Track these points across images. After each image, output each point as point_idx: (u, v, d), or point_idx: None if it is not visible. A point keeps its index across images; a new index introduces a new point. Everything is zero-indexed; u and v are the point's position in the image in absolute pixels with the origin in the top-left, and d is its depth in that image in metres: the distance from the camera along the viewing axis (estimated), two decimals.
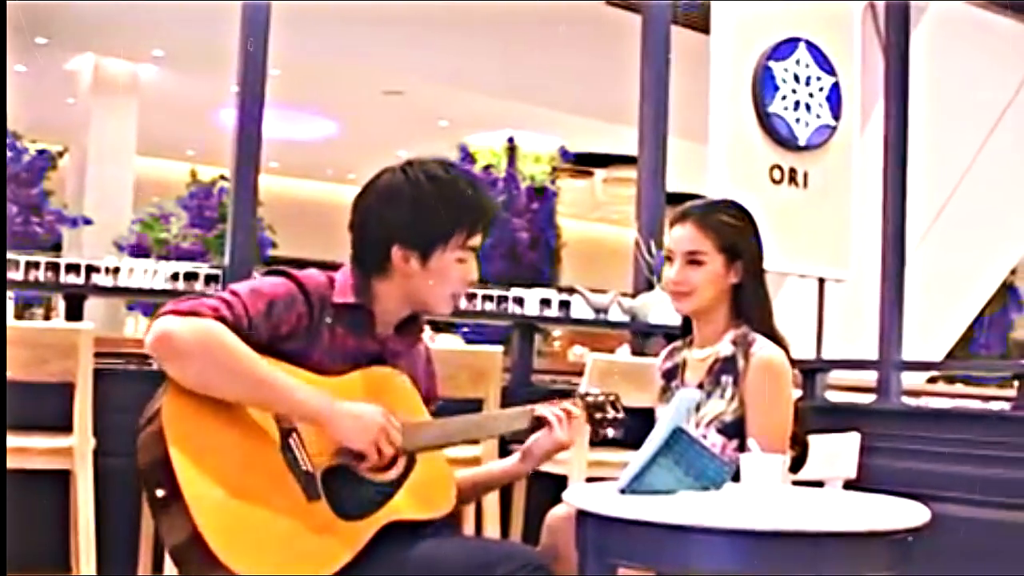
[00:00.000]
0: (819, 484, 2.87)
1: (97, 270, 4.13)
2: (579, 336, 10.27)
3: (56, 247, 8.05)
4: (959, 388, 8.67)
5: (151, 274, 4.22)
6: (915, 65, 5.16)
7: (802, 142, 5.13)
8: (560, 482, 3.77)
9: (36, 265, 4.04)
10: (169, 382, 2.08)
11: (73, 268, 4.08)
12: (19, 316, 7.21)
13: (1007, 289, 11.00)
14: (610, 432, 2.48)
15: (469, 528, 3.95)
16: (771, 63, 5.09)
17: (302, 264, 2.38)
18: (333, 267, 2.32)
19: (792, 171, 5.13)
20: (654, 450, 2.15)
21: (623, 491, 2.17)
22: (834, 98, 5.26)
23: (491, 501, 3.97)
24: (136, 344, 4.69)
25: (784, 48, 5.14)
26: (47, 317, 8.49)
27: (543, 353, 7.89)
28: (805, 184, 5.15)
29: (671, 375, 2.81)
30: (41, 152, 7.56)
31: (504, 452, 3.32)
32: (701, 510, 2.05)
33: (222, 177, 8.47)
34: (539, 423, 2.40)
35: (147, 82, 11.63)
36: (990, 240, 9.17)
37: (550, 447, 2.42)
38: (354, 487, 2.16)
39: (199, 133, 12.41)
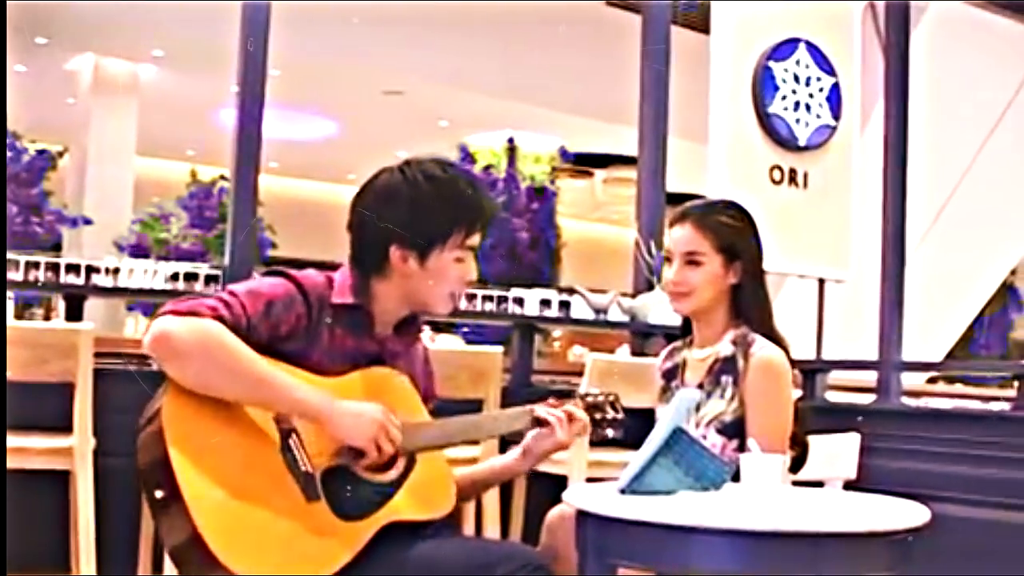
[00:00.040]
0: (819, 484, 2.87)
1: (97, 270, 4.12)
2: (579, 336, 10.27)
3: (56, 247, 8.05)
4: (959, 388, 8.67)
5: (151, 274, 4.22)
6: (915, 65, 5.16)
7: (802, 142, 5.13)
8: (560, 482, 3.77)
9: (36, 265, 4.04)
10: (169, 383, 2.08)
11: (73, 268, 4.08)
12: (19, 316, 7.21)
13: (1007, 289, 11.00)
14: (610, 432, 2.48)
15: (469, 528, 3.95)
16: (771, 63, 5.09)
17: (302, 264, 2.38)
18: (333, 267, 2.32)
19: (792, 171, 5.13)
20: (654, 450, 2.15)
21: (623, 491, 2.17)
22: (834, 98, 5.26)
23: (491, 501, 3.97)
24: (136, 344, 4.67)
25: (784, 48, 5.14)
26: (47, 317, 8.49)
27: (543, 353, 7.89)
28: (805, 184, 5.15)
29: (671, 375, 2.81)
30: (41, 152, 7.55)
31: (504, 452, 3.31)
32: (701, 510, 2.05)
33: (222, 177, 8.47)
34: (539, 424, 2.39)
35: (147, 82, 11.63)
36: (990, 240, 9.17)
37: (550, 447, 2.42)
38: (354, 487, 2.16)
39: (199, 133, 12.40)
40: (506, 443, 2.70)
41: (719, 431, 2.61)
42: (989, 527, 3.97)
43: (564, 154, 8.20)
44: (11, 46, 6.53)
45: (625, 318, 4.93)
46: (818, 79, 5.22)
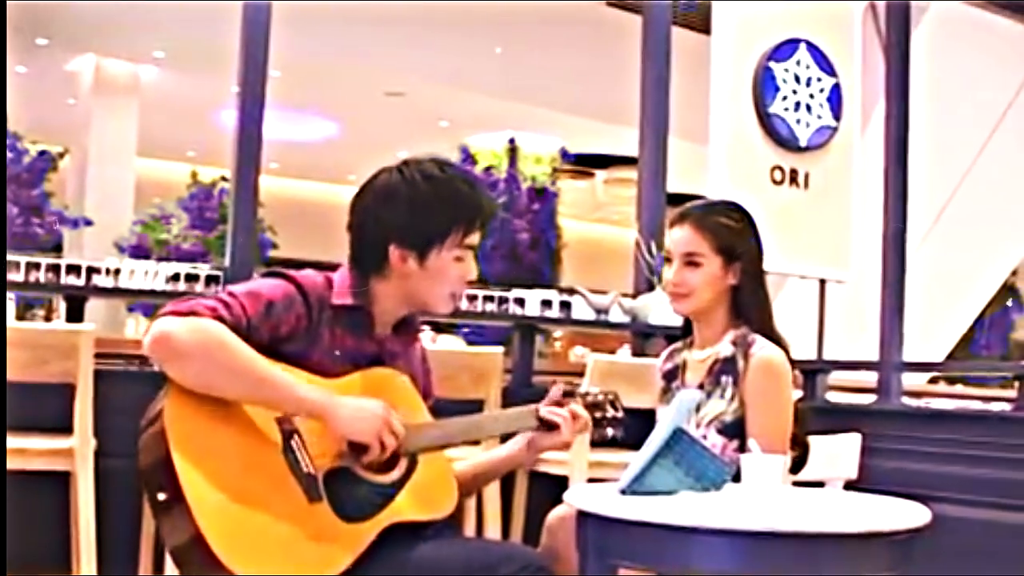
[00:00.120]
0: (820, 485, 2.87)
1: (98, 271, 4.12)
2: (580, 337, 10.28)
3: (57, 248, 8.07)
4: (960, 389, 8.67)
5: (152, 275, 4.22)
6: (916, 66, 5.16)
7: (803, 143, 5.13)
8: (561, 483, 3.77)
9: (37, 266, 4.04)
10: (170, 384, 2.08)
11: (74, 269, 4.08)
12: (20, 317, 7.21)
13: (1008, 290, 11.01)
14: (610, 431, 2.48)
15: (470, 528, 3.95)
16: (772, 64, 5.09)
17: (303, 265, 2.38)
18: (333, 268, 2.32)
19: (793, 172, 5.13)
20: (655, 451, 2.15)
21: (624, 492, 2.17)
22: (835, 99, 5.26)
23: (492, 502, 3.97)
24: (137, 345, 4.68)
25: (785, 49, 5.14)
26: (48, 318, 8.50)
27: (544, 354, 7.89)
28: (806, 185, 5.15)
29: (671, 376, 2.81)
30: (42, 153, 7.58)
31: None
32: (702, 511, 2.05)
33: (223, 178, 8.49)
34: (545, 425, 2.39)
35: (148, 83, 11.63)
36: (991, 241, 9.17)
37: (552, 444, 2.42)
38: (356, 489, 2.15)
39: (200, 134, 12.41)
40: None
41: (719, 431, 2.61)
42: (989, 527, 3.97)
43: (565, 155, 8.22)
44: (12, 47, 6.53)
45: (626, 319, 4.93)
46: (819, 79, 5.22)
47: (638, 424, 2.53)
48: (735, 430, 2.59)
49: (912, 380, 6.74)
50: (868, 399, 5.12)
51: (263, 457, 2.09)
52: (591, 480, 3.75)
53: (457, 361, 4.10)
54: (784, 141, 5.10)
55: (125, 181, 11.45)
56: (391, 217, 2.26)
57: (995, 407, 6.57)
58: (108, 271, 4.15)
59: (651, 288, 4.90)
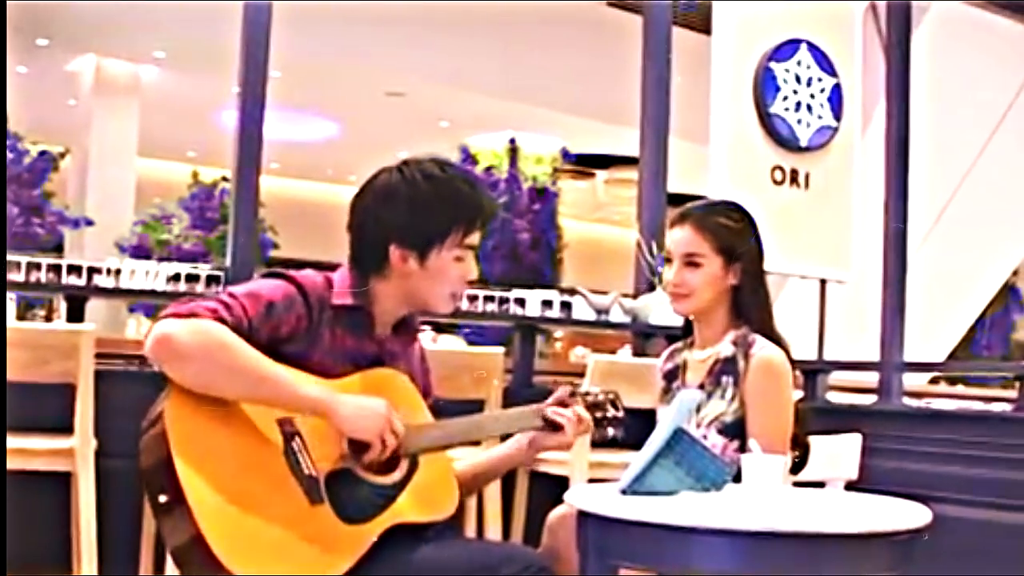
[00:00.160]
0: (821, 485, 2.87)
1: (99, 271, 4.12)
2: (581, 337, 10.28)
3: (58, 248, 8.08)
4: (961, 389, 8.67)
5: (152, 275, 4.22)
6: (917, 66, 5.16)
7: (803, 143, 5.13)
8: (561, 483, 3.77)
9: (38, 266, 4.04)
10: (171, 386, 2.08)
11: (75, 269, 4.08)
12: (21, 317, 7.21)
13: (1009, 290, 11.00)
14: (611, 431, 2.48)
15: (471, 529, 3.95)
16: (772, 64, 5.09)
17: (304, 265, 2.38)
18: (333, 268, 2.32)
19: (793, 172, 5.13)
20: (655, 451, 2.15)
21: (624, 492, 2.17)
22: (835, 99, 5.25)
23: (493, 502, 3.97)
24: (137, 346, 4.68)
25: (785, 49, 5.14)
26: (49, 318, 8.51)
27: (544, 354, 7.89)
28: (806, 185, 5.15)
29: (672, 376, 2.81)
30: (43, 153, 7.58)
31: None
32: (702, 511, 2.05)
33: (223, 178, 8.49)
34: (550, 425, 2.39)
35: (148, 83, 11.63)
36: (992, 241, 9.17)
37: (553, 444, 2.43)
38: (357, 490, 2.15)
39: (200, 134, 12.41)
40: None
41: (720, 431, 2.61)
42: (989, 527, 3.97)
43: (566, 155, 8.23)
44: (12, 47, 6.54)
45: (626, 319, 4.93)
46: (819, 80, 5.22)
47: (639, 424, 2.53)
48: (735, 430, 2.60)
49: (913, 380, 6.74)
50: (869, 399, 5.12)
51: (264, 459, 2.09)
52: (592, 480, 3.75)
53: (458, 361, 4.10)
54: (785, 141, 5.10)
55: (126, 181, 11.45)
56: (391, 217, 2.26)
57: (996, 407, 6.57)
58: (109, 271, 4.15)
59: (652, 288, 4.90)
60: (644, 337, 5.05)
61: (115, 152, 11.45)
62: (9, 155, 7.27)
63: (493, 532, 3.96)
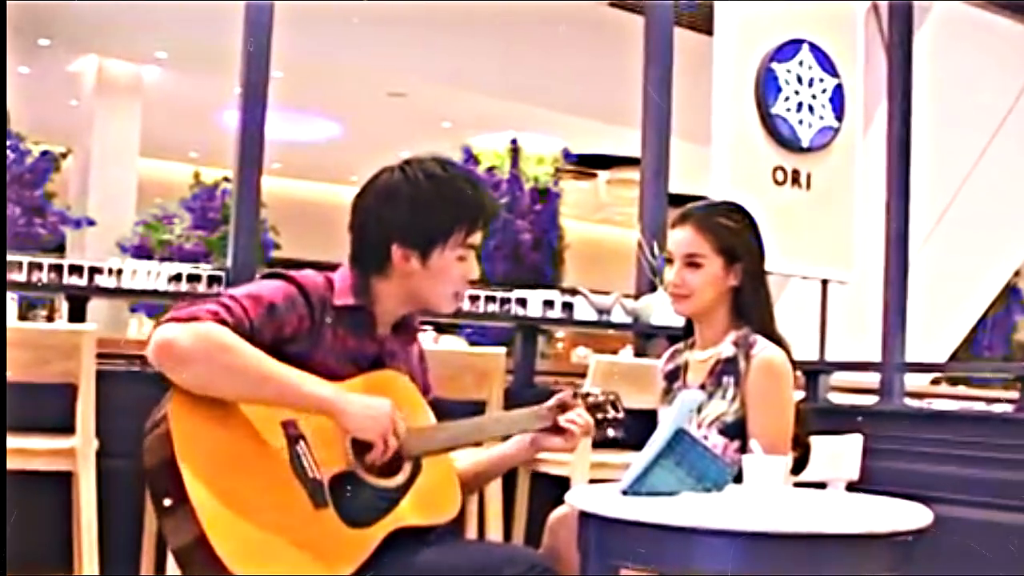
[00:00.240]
0: (822, 486, 2.87)
1: (100, 271, 4.12)
2: (582, 337, 10.28)
3: (59, 248, 8.07)
4: (962, 390, 8.67)
5: (154, 276, 4.22)
6: (919, 66, 5.15)
7: (805, 143, 5.13)
8: (563, 483, 3.77)
9: (39, 266, 4.04)
10: (174, 389, 2.07)
11: (76, 269, 4.08)
12: (23, 317, 7.21)
13: (1010, 291, 11.00)
14: (611, 432, 2.48)
15: (472, 529, 3.95)
16: (774, 64, 5.09)
17: (305, 265, 2.38)
18: (334, 268, 2.32)
19: (795, 172, 5.12)
20: (656, 451, 2.15)
21: (625, 492, 2.17)
22: (837, 99, 5.25)
23: (494, 502, 3.97)
24: (139, 346, 4.69)
25: (787, 49, 5.13)
26: (50, 318, 8.51)
27: (546, 355, 7.89)
28: (808, 185, 5.15)
29: (673, 376, 2.81)
30: (44, 154, 7.58)
31: None
32: (703, 511, 2.05)
33: (225, 178, 8.49)
34: (558, 430, 2.39)
35: (150, 84, 11.64)
36: (994, 242, 9.17)
37: (555, 447, 2.43)
38: (361, 493, 2.15)
39: (202, 135, 12.41)
40: None
41: (721, 432, 2.61)
42: (989, 528, 3.96)
43: (567, 155, 8.21)
44: (14, 48, 6.53)
45: (628, 319, 4.93)
46: (821, 80, 5.21)
47: (640, 425, 2.53)
48: (736, 431, 2.60)
49: (914, 381, 6.73)
50: (870, 400, 5.11)
51: (268, 462, 2.09)
52: (593, 481, 3.75)
53: (459, 361, 4.10)
54: (786, 142, 5.10)
55: (127, 181, 11.46)
56: (393, 216, 2.26)
57: (997, 408, 6.56)
58: (110, 271, 4.15)
59: (653, 289, 4.90)
60: (645, 337, 5.05)
61: (117, 152, 11.46)
62: (11, 155, 7.27)
63: (494, 532, 3.96)
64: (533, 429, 2.42)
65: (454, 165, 2.36)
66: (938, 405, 6.86)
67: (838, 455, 2.98)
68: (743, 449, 2.45)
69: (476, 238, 2.32)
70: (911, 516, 2.11)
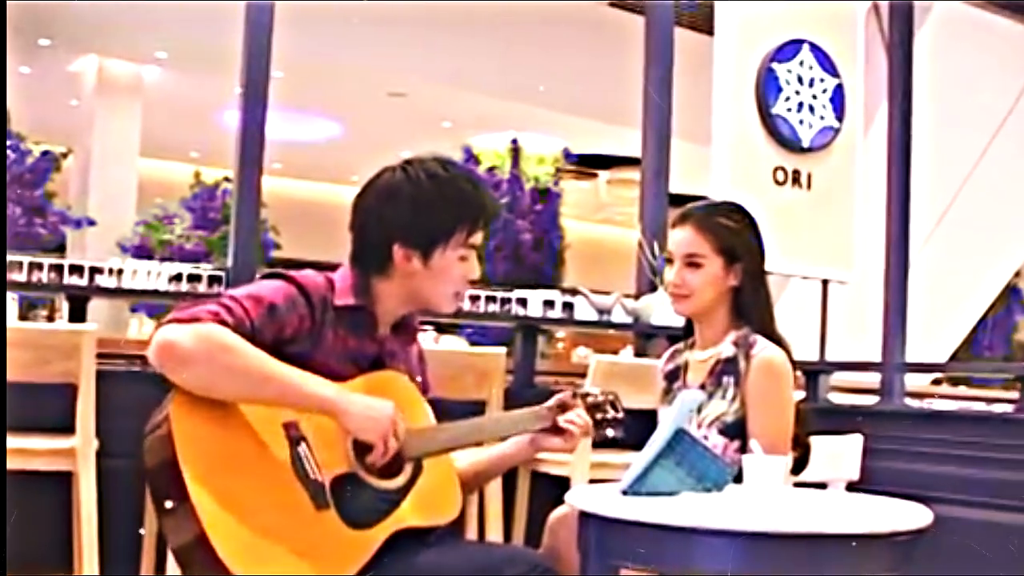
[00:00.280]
0: (822, 486, 2.87)
1: (100, 271, 4.12)
2: (582, 337, 10.28)
3: (60, 248, 8.07)
4: (963, 390, 8.67)
5: (154, 275, 4.22)
6: (919, 66, 5.15)
7: (805, 144, 5.13)
8: (563, 483, 3.77)
9: (39, 266, 4.04)
10: (175, 390, 2.07)
11: (76, 269, 4.08)
12: (23, 317, 7.21)
13: (1011, 291, 11.00)
14: (610, 432, 2.48)
15: (472, 529, 3.95)
16: (775, 64, 5.08)
17: (306, 265, 2.38)
18: (335, 268, 2.32)
19: (795, 172, 5.12)
20: (656, 451, 2.15)
21: (625, 492, 2.17)
22: (837, 100, 5.25)
23: (494, 502, 3.97)
24: (139, 346, 4.70)
25: (788, 49, 5.13)
26: (51, 318, 8.50)
27: (546, 355, 7.89)
28: (808, 186, 5.15)
29: (673, 377, 2.81)
30: (45, 154, 7.58)
31: None
32: (703, 511, 2.05)
33: (226, 178, 8.50)
34: (558, 431, 2.39)
35: (151, 83, 11.64)
36: (994, 242, 9.16)
37: (555, 447, 2.43)
38: (362, 495, 2.15)
39: (203, 134, 12.41)
40: None
41: (721, 432, 2.61)
42: (989, 528, 3.96)
43: (568, 155, 8.21)
44: (15, 48, 6.54)
45: (628, 319, 4.93)
46: (821, 80, 5.21)
47: (640, 425, 2.53)
48: (736, 431, 2.60)
49: (915, 381, 6.73)
50: (870, 400, 5.11)
51: (269, 463, 2.09)
52: (593, 481, 3.75)
53: (460, 361, 4.10)
54: (787, 142, 5.09)
55: (128, 181, 11.46)
56: (395, 216, 2.26)
57: (997, 408, 6.56)
58: (111, 271, 4.15)
59: (653, 289, 4.90)
60: (646, 337, 5.05)
61: (117, 152, 11.46)
62: (11, 155, 7.27)
63: (494, 532, 3.96)
64: (533, 429, 2.42)
65: (455, 165, 2.36)
66: (938, 405, 6.86)
67: (838, 455, 2.98)
68: (743, 449, 2.45)
69: (477, 238, 2.32)
70: (911, 516, 2.11)
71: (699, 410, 2.63)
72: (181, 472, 1.99)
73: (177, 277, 4.23)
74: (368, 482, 2.16)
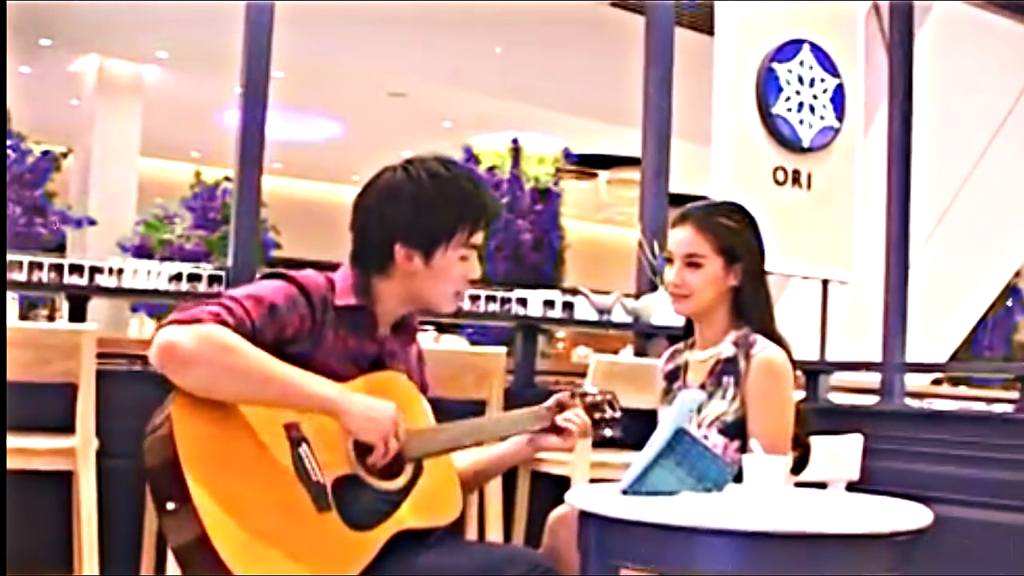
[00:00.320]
0: (822, 486, 2.87)
1: (101, 271, 4.12)
2: (583, 337, 10.28)
3: (60, 248, 8.07)
4: (963, 390, 8.66)
5: (155, 275, 4.22)
6: (919, 66, 5.15)
7: (806, 143, 5.13)
8: (563, 483, 3.77)
9: (40, 266, 4.04)
10: (176, 391, 2.07)
11: (77, 269, 4.08)
12: (24, 317, 7.22)
13: (1011, 291, 11.00)
14: (608, 431, 2.48)
15: (473, 529, 3.95)
16: (775, 64, 5.08)
17: (306, 265, 2.38)
18: (335, 268, 2.32)
19: (796, 172, 5.12)
20: (657, 451, 2.15)
21: (625, 492, 2.17)
22: (838, 100, 5.25)
23: (494, 502, 3.97)
24: (139, 345, 4.69)
25: (788, 49, 5.13)
26: (51, 318, 8.50)
27: (547, 354, 7.89)
28: (809, 186, 5.15)
29: (673, 376, 2.81)
30: (45, 153, 7.57)
31: None
32: (703, 511, 2.05)
33: (226, 178, 8.49)
34: (557, 431, 2.40)
35: (151, 83, 11.64)
36: (994, 242, 9.16)
37: (555, 447, 2.43)
38: (363, 496, 2.15)
39: (203, 134, 12.42)
40: None
41: (721, 432, 2.61)
42: (990, 528, 3.96)
43: (568, 155, 8.20)
44: (15, 47, 6.54)
45: (628, 319, 4.93)
46: (822, 80, 5.21)
47: (640, 425, 2.53)
48: (736, 430, 2.60)
49: (915, 381, 6.73)
50: (870, 400, 5.11)
51: (270, 464, 2.09)
52: (593, 480, 3.75)
53: (460, 361, 4.10)
54: (787, 142, 5.09)
55: (128, 181, 11.45)
56: (396, 216, 2.26)
57: (998, 408, 6.56)
58: (111, 271, 4.15)
59: (654, 289, 4.91)
60: (646, 337, 5.05)
61: (117, 152, 11.46)
62: (11, 155, 7.27)
63: (494, 532, 3.96)
64: (532, 429, 2.42)
65: (456, 165, 2.36)
66: (938, 405, 6.86)
67: (838, 455, 2.98)
68: (743, 449, 2.45)
69: (478, 238, 2.32)
70: (911, 516, 2.11)
71: (699, 410, 2.63)
72: (183, 473, 1.99)
73: (177, 277, 4.23)
74: (369, 483, 2.16)
